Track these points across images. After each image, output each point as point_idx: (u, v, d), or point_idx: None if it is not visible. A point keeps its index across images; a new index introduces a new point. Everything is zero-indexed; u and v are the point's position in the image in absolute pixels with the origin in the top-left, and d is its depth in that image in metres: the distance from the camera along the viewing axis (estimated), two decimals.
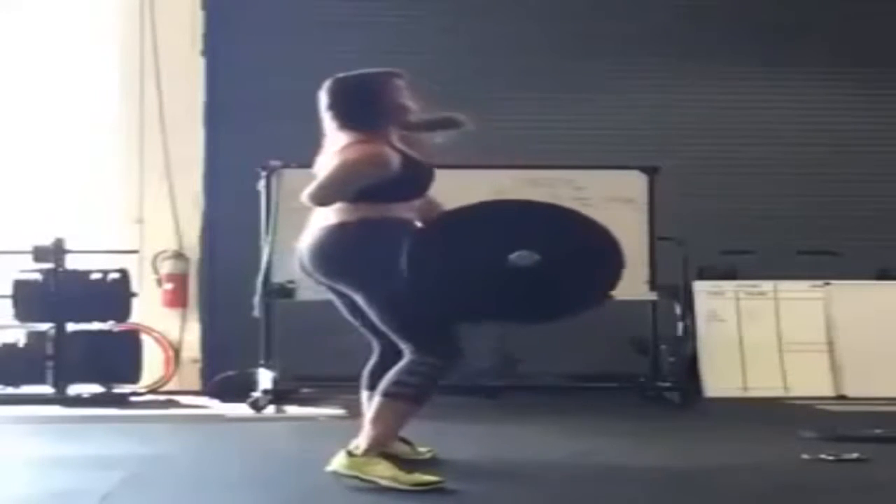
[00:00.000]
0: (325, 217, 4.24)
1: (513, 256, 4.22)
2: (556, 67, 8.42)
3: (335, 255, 4.22)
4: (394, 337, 4.24)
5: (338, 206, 4.20)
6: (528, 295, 4.25)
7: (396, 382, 4.15)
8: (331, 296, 4.49)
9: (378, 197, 4.18)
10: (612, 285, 4.49)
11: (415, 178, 4.28)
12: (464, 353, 4.25)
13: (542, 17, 8.50)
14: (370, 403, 4.46)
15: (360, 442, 4.14)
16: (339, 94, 4.34)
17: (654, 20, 8.56)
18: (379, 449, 4.12)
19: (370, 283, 4.19)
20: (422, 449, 4.69)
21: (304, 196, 4.20)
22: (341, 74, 4.41)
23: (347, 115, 4.28)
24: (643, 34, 8.53)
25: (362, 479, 4.06)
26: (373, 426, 4.14)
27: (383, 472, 4.05)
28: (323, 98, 4.37)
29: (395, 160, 4.16)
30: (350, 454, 4.11)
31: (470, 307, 4.29)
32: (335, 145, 4.30)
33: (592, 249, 4.41)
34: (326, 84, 4.39)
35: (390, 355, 4.36)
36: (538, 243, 4.25)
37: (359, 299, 4.25)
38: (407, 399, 4.14)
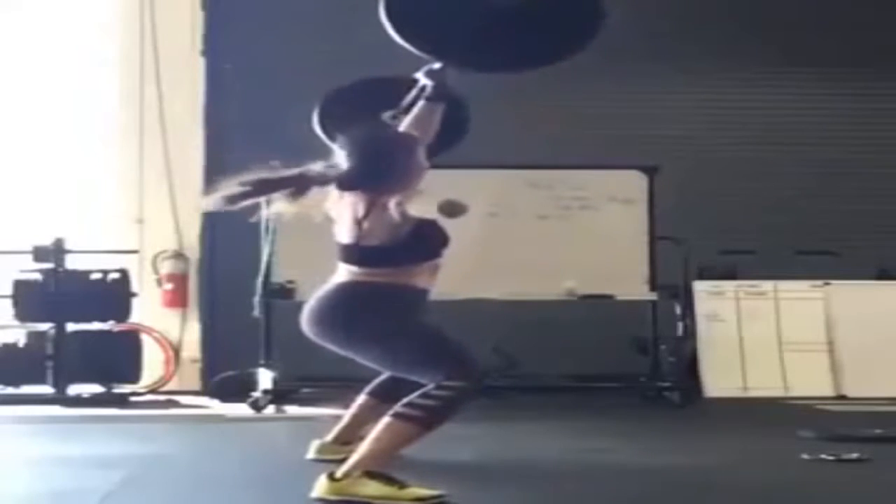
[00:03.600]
0: (335, 279, 4.14)
1: None
2: (556, 67, 8.38)
3: (329, 318, 4.09)
4: (413, 378, 4.05)
5: (353, 268, 4.08)
6: (512, 37, 4.17)
7: (408, 404, 3.91)
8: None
9: (394, 261, 4.04)
10: (595, 28, 4.43)
11: (430, 239, 4.11)
12: (480, 376, 4.06)
13: None
14: (360, 407, 4.52)
15: (348, 461, 3.92)
16: (366, 147, 4.15)
17: (654, 20, 8.56)
18: (366, 467, 3.85)
19: (367, 345, 4.05)
20: None
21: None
22: (368, 131, 4.29)
23: (379, 170, 4.07)
24: (643, 35, 8.52)
25: (351, 502, 3.82)
26: (369, 444, 3.92)
27: (374, 491, 3.81)
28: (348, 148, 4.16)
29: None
30: (332, 478, 3.86)
31: (453, 53, 4.20)
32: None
33: None
34: (353, 136, 4.20)
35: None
36: None
37: (359, 358, 4.12)
38: (415, 421, 3.88)
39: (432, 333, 4.08)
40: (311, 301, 4.18)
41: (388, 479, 3.85)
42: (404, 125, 4.54)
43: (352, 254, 4.09)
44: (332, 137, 4.82)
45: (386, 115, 4.84)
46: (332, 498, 3.84)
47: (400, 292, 4.07)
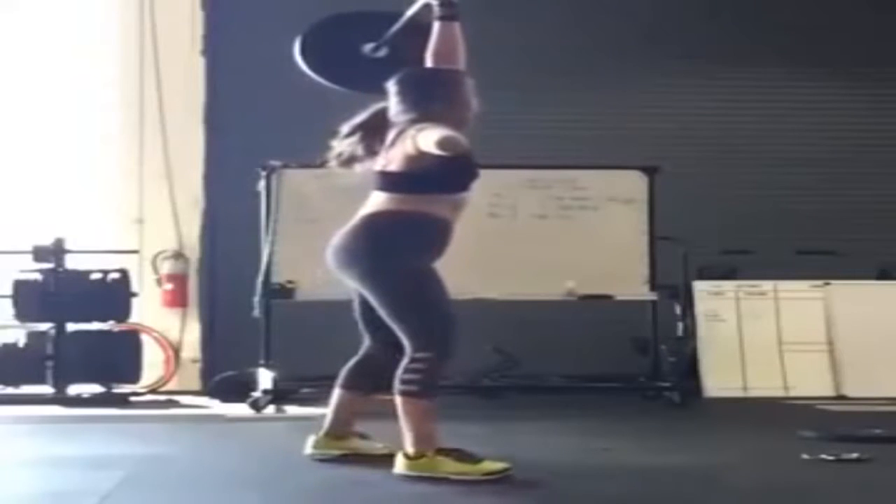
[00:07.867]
0: (362, 211, 4.32)
1: None
2: (557, 67, 8.42)
3: (352, 245, 4.28)
4: (397, 329, 4.27)
5: (380, 194, 4.28)
6: None
7: (402, 381, 4.22)
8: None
9: (417, 187, 4.23)
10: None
11: (457, 171, 4.27)
12: (456, 350, 4.29)
13: (542, 18, 8.50)
14: (338, 400, 4.61)
15: (406, 444, 4.20)
16: (412, 83, 4.39)
17: (653, 20, 8.56)
18: (427, 445, 4.16)
19: (378, 273, 4.24)
20: (378, 444, 4.64)
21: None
22: (414, 70, 4.49)
23: (418, 103, 4.30)
24: (643, 35, 8.53)
25: (435, 478, 4.11)
26: (406, 426, 4.20)
27: (451, 468, 4.12)
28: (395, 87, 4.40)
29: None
30: (407, 456, 4.18)
31: None
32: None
33: None
34: (402, 77, 4.42)
35: (380, 356, 4.48)
36: None
37: (364, 290, 4.30)
38: (414, 395, 4.19)
39: (437, 293, 4.26)
40: (338, 233, 4.35)
41: (461, 456, 4.16)
42: (430, 58, 4.54)
43: (379, 179, 4.30)
44: (314, 69, 5.13)
45: (368, 48, 4.88)
46: (414, 474, 4.14)
47: (422, 221, 4.23)
